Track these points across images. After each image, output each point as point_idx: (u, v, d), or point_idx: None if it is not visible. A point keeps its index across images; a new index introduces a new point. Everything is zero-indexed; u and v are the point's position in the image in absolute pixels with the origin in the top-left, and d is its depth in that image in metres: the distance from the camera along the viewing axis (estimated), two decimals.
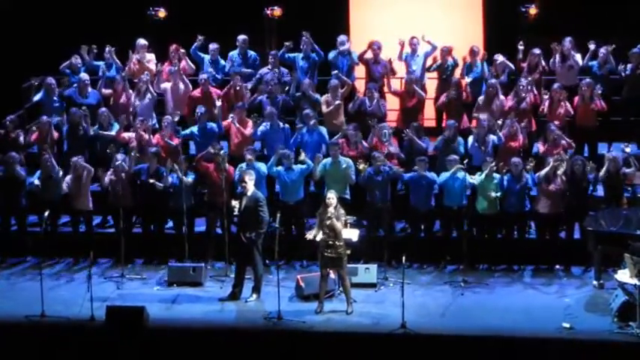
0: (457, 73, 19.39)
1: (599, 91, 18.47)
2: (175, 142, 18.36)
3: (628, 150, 17.44)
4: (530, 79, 18.76)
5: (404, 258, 15.28)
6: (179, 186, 17.38)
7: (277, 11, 20.62)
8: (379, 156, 17.25)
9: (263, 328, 15.18)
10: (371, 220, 17.40)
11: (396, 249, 16.73)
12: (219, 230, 17.56)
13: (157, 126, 18.99)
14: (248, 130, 18.43)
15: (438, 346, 14.62)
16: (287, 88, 19.37)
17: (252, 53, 20.09)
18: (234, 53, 20.04)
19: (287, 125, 18.58)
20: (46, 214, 16.61)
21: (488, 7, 20.79)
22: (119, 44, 20.10)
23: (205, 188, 17.80)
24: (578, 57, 19.35)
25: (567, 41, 19.26)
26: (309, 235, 15.80)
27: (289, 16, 20.65)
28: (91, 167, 17.82)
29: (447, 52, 19.42)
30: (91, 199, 17.89)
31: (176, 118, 18.64)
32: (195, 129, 18.58)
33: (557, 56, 19.24)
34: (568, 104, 18.49)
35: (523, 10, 20.02)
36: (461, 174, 16.97)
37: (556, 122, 18.07)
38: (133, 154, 17.78)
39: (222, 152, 17.53)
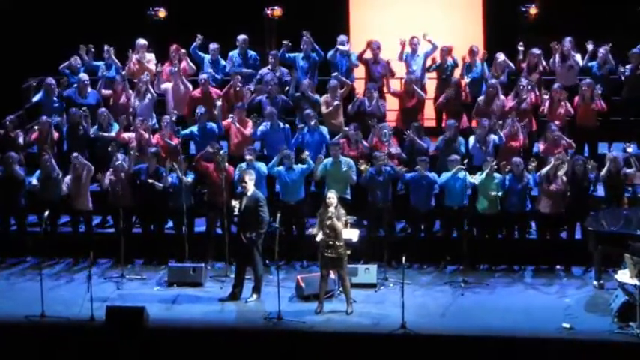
0: (457, 73, 19.38)
1: (599, 91, 18.47)
2: (175, 141, 18.35)
3: (629, 150, 17.42)
4: (530, 79, 18.76)
5: (404, 258, 15.28)
6: (179, 186, 17.38)
7: (277, 11, 20.63)
8: (381, 156, 17.25)
9: (263, 328, 15.17)
10: (372, 220, 17.40)
11: (396, 249, 16.72)
12: (219, 230, 17.56)
13: (156, 126, 18.98)
14: (248, 130, 18.43)
15: (438, 347, 14.61)
16: (286, 88, 19.36)
17: (252, 53, 20.08)
18: (234, 53, 20.03)
19: (287, 125, 18.57)
20: (46, 214, 16.61)
21: (488, 7, 20.78)
22: (119, 44, 20.09)
23: (205, 188, 17.79)
24: (578, 57, 19.34)
25: (567, 41, 19.25)
26: (314, 230, 15.77)
27: (289, 16, 20.65)
28: (91, 165, 17.82)
29: (446, 52, 19.41)
30: (91, 199, 17.88)
31: (174, 118, 18.62)
32: (195, 129, 18.57)
33: (557, 56, 19.23)
34: (568, 104, 18.49)
35: (523, 10, 20.04)
36: (461, 174, 16.96)
37: (556, 122, 18.07)
38: (132, 153, 17.78)
39: (221, 152, 17.53)
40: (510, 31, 20.06)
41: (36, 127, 18.78)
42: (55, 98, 19.53)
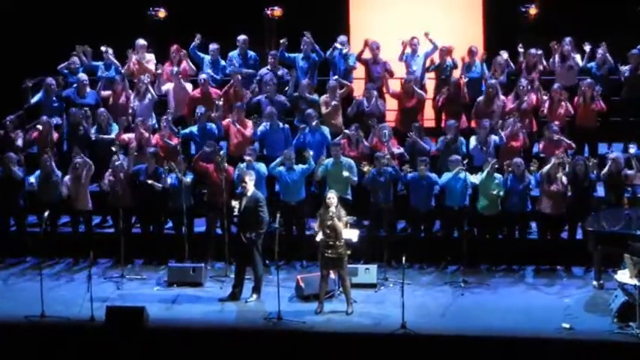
0: (456, 73, 19.36)
1: (599, 92, 18.47)
2: (174, 141, 18.34)
3: (632, 150, 17.38)
4: (530, 79, 18.75)
5: (404, 258, 15.27)
6: (178, 186, 17.37)
7: (277, 11, 20.62)
8: (383, 156, 17.24)
9: (263, 328, 15.16)
10: (373, 220, 17.39)
11: (396, 249, 16.70)
12: (219, 230, 17.55)
13: (156, 126, 18.97)
14: (248, 131, 18.42)
15: (438, 347, 14.60)
16: (286, 88, 19.35)
17: (252, 53, 20.06)
18: (234, 53, 20.01)
19: (287, 125, 18.56)
20: (46, 214, 16.61)
21: (488, 7, 20.78)
22: (119, 44, 20.08)
23: (205, 188, 17.79)
24: (577, 57, 19.34)
25: (567, 41, 19.25)
26: (316, 227, 15.75)
27: (289, 16, 20.64)
28: (91, 163, 17.80)
29: (446, 52, 19.40)
30: (91, 200, 17.88)
31: (169, 117, 18.59)
32: (194, 129, 18.57)
33: (557, 56, 19.23)
34: (568, 104, 18.48)
35: (523, 10, 20.03)
36: (462, 174, 16.95)
37: (556, 122, 18.06)
38: (132, 153, 17.77)
39: (221, 152, 17.52)
40: (510, 31, 20.06)
41: (39, 127, 18.73)
42: (54, 98, 19.52)
